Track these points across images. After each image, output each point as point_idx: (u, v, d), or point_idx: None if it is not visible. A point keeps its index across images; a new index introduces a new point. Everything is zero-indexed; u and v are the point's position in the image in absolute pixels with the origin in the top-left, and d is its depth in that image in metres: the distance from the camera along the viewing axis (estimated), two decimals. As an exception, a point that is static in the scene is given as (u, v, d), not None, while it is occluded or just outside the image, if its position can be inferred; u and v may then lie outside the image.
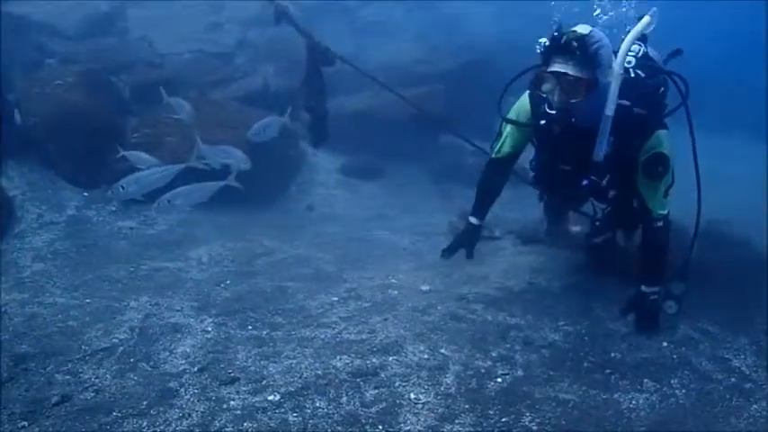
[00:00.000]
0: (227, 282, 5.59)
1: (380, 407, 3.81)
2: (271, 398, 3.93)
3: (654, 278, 4.51)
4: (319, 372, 4.17)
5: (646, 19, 4.26)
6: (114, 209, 6.91)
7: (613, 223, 4.99)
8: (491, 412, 3.76)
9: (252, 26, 10.95)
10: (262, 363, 4.32)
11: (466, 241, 5.17)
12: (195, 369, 4.27)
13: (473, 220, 5.13)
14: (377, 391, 3.97)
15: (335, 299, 5.27)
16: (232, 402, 3.90)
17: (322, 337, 4.65)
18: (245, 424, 3.68)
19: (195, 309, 5.12)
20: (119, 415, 3.80)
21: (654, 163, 4.19)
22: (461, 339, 4.54)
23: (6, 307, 5.05)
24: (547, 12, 4.93)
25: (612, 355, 4.36)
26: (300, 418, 3.72)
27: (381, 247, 6.45)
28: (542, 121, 4.31)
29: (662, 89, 4.42)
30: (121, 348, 4.52)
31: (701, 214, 4.57)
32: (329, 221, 7.23)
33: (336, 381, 4.06)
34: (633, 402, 3.88)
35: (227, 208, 6.95)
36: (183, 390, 4.04)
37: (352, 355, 4.35)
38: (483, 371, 4.16)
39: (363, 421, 3.68)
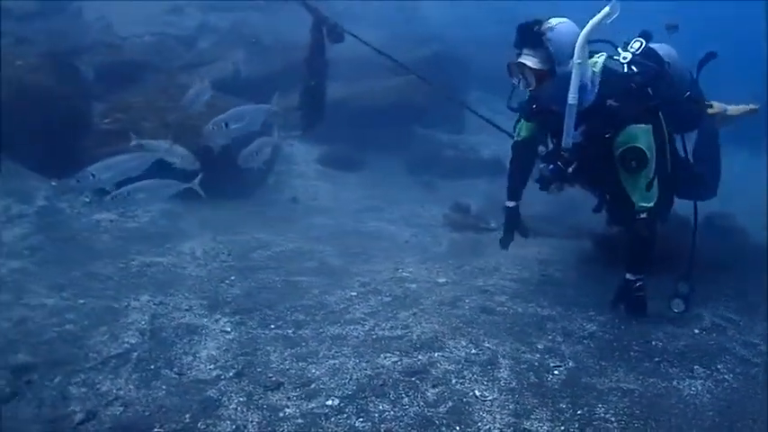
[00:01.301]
0: (232, 278, 5.07)
1: (448, 406, 3.51)
2: (329, 403, 3.53)
3: (638, 267, 4.48)
4: (369, 372, 3.80)
5: (605, 9, 4.14)
6: (88, 200, 6.11)
7: (611, 215, 4.87)
8: (563, 406, 3.54)
9: (211, 10, 10.17)
10: (300, 364, 3.89)
11: (513, 225, 5.06)
12: (231, 374, 3.78)
13: (510, 203, 5.04)
14: (437, 389, 3.66)
15: (354, 293, 4.88)
16: (288, 410, 3.46)
17: (355, 334, 4.26)
18: None
19: (205, 307, 4.58)
20: (161, 431, 3.22)
21: (628, 157, 4.17)
22: (500, 332, 4.30)
23: (-13, 311, 4.26)
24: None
25: (654, 343, 4.24)
26: (369, 424, 3.35)
27: (381, 239, 6.10)
28: (514, 107, 4.53)
29: (646, 86, 4.34)
30: (136, 354, 3.95)
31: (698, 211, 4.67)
32: (317, 213, 6.75)
33: (391, 381, 3.72)
34: (693, 389, 3.77)
35: (207, 200, 6.29)
36: (225, 398, 3.56)
37: (397, 353, 4.00)
38: (536, 364, 3.94)
39: (437, 422, 3.37)
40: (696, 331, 4.40)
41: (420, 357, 3.96)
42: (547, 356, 4.00)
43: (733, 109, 5.06)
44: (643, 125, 4.20)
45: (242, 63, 8.24)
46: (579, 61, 4.07)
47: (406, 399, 3.55)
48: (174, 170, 5.41)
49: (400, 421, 3.36)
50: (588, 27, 4.10)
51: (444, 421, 3.36)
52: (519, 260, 5.42)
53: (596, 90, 4.18)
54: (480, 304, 4.68)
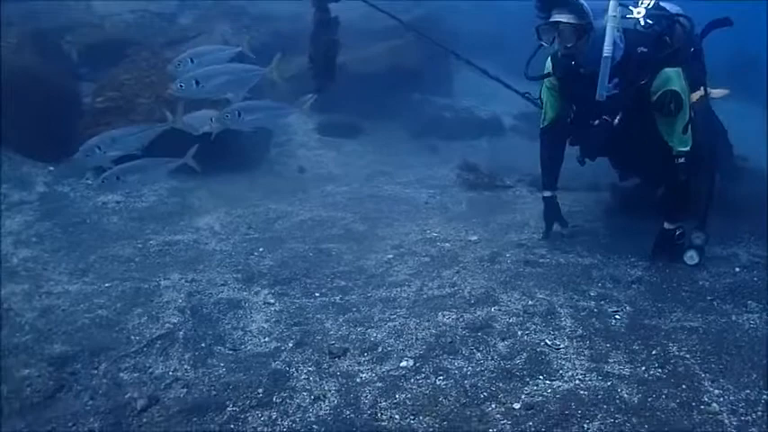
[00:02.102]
0: (260, 249, 4.74)
1: (523, 357, 3.36)
2: (403, 364, 3.33)
3: (677, 215, 4.41)
4: (433, 331, 3.60)
5: None
6: (90, 182, 5.61)
7: (635, 168, 4.74)
8: (635, 347, 3.43)
9: None
10: (359, 329, 3.67)
11: (553, 215, 4.91)
12: (290, 345, 3.52)
13: (547, 193, 4.88)
14: (506, 342, 3.51)
15: (390, 256, 4.64)
16: (363, 375, 3.23)
17: (404, 295, 4.04)
18: (398, 396, 3.04)
19: (241, 281, 4.27)
20: (236, 409, 3.01)
21: (665, 100, 4.07)
22: (549, 283, 4.16)
23: (8, 302, 3.88)
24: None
25: (701, 283, 4.17)
26: (452, 381, 3.17)
27: (400, 203, 5.83)
28: (550, 69, 4.41)
29: (672, 32, 4.28)
30: (181, 333, 3.64)
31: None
32: (326, 181, 6.41)
33: (458, 337, 3.55)
34: (752, 323, 3.70)
35: (213, 174, 5.97)
36: (293, 369, 3.30)
37: (454, 311, 3.82)
38: (595, 310, 3.82)
39: (518, 374, 3.22)
40: (737, 269, 4.33)
41: (478, 313, 3.79)
42: (602, 302, 3.90)
43: (716, 92, 4.98)
44: (675, 69, 4.10)
45: (230, 35, 7.73)
46: (614, 14, 4.00)
47: (479, 354, 3.39)
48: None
49: (482, 376, 3.18)
50: None
51: (526, 372, 3.22)
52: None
53: (622, 43, 4.09)
54: (521, 258, 4.52)
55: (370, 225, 5.27)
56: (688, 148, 4.16)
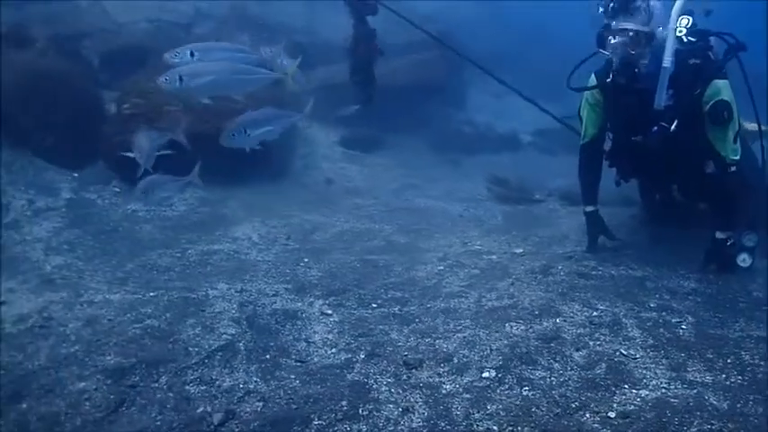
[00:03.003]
0: (306, 260, 4.57)
1: (603, 367, 3.24)
2: (486, 375, 3.19)
3: (728, 223, 4.39)
4: (505, 342, 3.47)
5: None
6: (117, 190, 5.36)
7: (676, 181, 4.71)
8: (710, 356, 3.36)
9: None
10: (427, 340, 3.52)
11: (597, 229, 4.85)
12: (362, 356, 3.36)
13: (589, 208, 4.81)
14: (581, 352, 3.40)
15: (441, 267, 4.51)
16: (447, 386, 3.09)
17: (465, 306, 3.91)
18: (490, 407, 2.91)
19: (292, 291, 4.09)
20: (322, 423, 2.83)
21: (718, 110, 4.09)
22: (607, 295, 4.08)
23: (48, 311, 3.62)
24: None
25: (755, 294, 4.13)
26: (540, 392, 3.05)
27: (434, 215, 5.73)
28: (608, 79, 4.32)
29: (712, 47, 4.34)
30: (242, 345, 3.44)
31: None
32: (355, 194, 6.26)
33: (533, 348, 3.43)
34: None
35: (241, 185, 5.82)
36: (372, 381, 3.14)
37: (521, 322, 3.70)
38: (660, 321, 3.73)
39: (603, 384, 3.10)
40: (786, 278, 4.28)
41: (545, 324, 3.68)
42: (664, 313, 3.82)
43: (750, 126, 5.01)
44: (724, 80, 4.14)
45: (249, 46, 7.56)
46: (676, 26, 4.05)
47: (557, 364, 3.27)
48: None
49: (567, 386, 3.07)
50: None
51: (610, 381, 3.11)
52: (582, 228, 5.11)
53: (675, 56, 4.08)
54: (574, 270, 4.43)
55: (410, 237, 5.13)
56: (738, 157, 4.18)
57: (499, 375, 3.14)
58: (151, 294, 3.95)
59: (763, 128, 4.72)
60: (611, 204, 5.70)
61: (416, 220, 5.54)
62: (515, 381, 3.10)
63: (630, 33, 4.03)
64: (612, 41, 4.10)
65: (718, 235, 4.36)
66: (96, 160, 5.57)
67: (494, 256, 4.72)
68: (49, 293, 3.85)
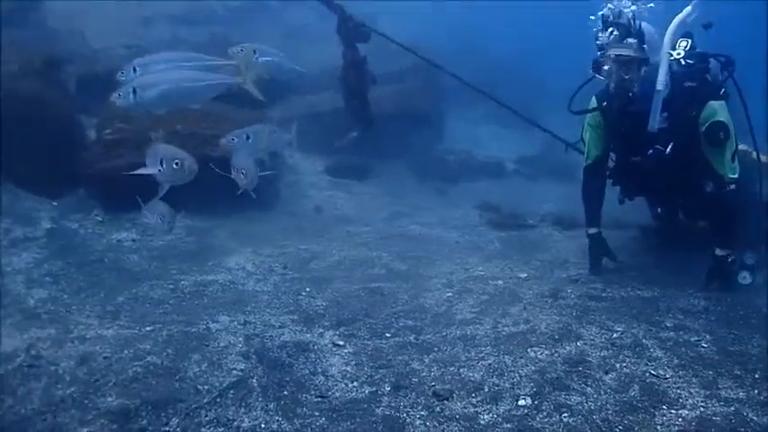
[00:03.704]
0: (307, 289, 4.36)
1: (636, 389, 3.15)
2: (522, 403, 3.05)
3: (728, 240, 4.44)
4: (532, 368, 3.36)
5: (687, 9, 4.31)
6: (100, 219, 5.03)
7: (677, 203, 4.74)
8: (737, 372, 3.32)
9: (180, 23, 9.14)
10: (451, 369, 3.37)
11: (600, 251, 4.84)
12: (388, 389, 3.17)
13: (592, 230, 4.82)
14: (610, 375, 3.30)
15: (449, 294, 4.37)
16: (485, 417, 2.95)
17: (481, 333, 3.78)
18: None
19: (299, 322, 3.87)
20: None
21: (714, 131, 4.18)
22: (622, 317, 4.02)
23: (36, 349, 3.31)
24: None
25: (764, 310, 4.13)
26: (581, 417, 2.95)
27: (430, 242, 5.60)
28: (604, 103, 4.43)
29: (709, 70, 4.43)
30: (255, 381, 3.21)
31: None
32: (346, 222, 6.07)
33: (561, 373, 3.31)
34: None
35: (228, 214, 5.58)
36: (404, 415, 2.98)
37: (542, 346, 3.61)
38: (680, 340, 3.68)
39: (641, 406, 3.02)
40: (789, 293, 4.33)
41: (568, 347, 3.59)
42: (681, 332, 3.79)
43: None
44: (720, 101, 4.23)
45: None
46: (670, 51, 4.16)
47: (590, 388, 3.17)
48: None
49: (606, 410, 2.98)
50: (676, 21, 4.22)
51: (647, 403, 3.04)
52: (581, 251, 5.09)
53: (669, 79, 4.16)
54: (583, 293, 4.38)
55: (410, 264, 4.98)
56: (737, 176, 4.24)
57: (536, 402, 3.00)
58: (148, 329, 3.66)
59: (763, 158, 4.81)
60: (606, 228, 5.72)
61: (413, 247, 5.40)
62: (553, 407, 2.96)
63: (623, 59, 4.11)
64: (606, 67, 4.18)
65: (719, 252, 4.40)
66: (76, 188, 5.25)
67: (500, 282, 4.60)
68: (35, 329, 3.52)
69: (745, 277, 4.43)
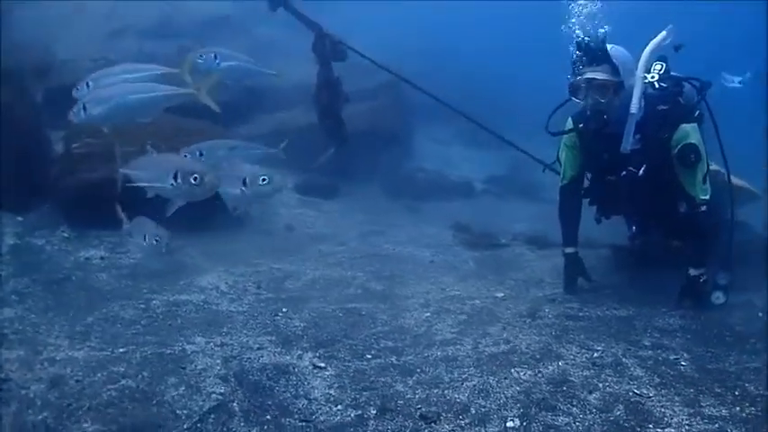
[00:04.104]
0: (284, 310, 4.29)
1: (621, 408, 3.18)
2: (510, 425, 3.06)
3: (701, 260, 4.59)
4: (518, 388, 3.38)
5: (662, 33, 4.43)
6: (66, 235, 4.84)
7: (652, 222, 4.87)
8: (718, 390, 3.39)
9: (149, 37, 8.96)
10: (436, 391, 3.35)
11: (576, 270, 4.93)
12: (374, 412, 3.12)
13: (569, 249, 4.92)
14: (594, 395, 3.32)
15: (427, 314, 4.36)
16: None
17: (463, 353, 3.79)
18: None
19: (277, 344, 3.80)
20: None
21: (686, 153, 4.30)
22: (600, 336, 4.09)
23: (3, 371, 3.16)
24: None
25: (737, 328, 4.25)
26: None
27: (405, 262, 5.58)
28: (580, 125, 4.52)
29: (682, 93, 4.59)
30: (236, 405, 3.13)
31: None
32: (319, 240, 6.00)
33: (546, 393, 3.31)
34: None
35: (198, 232, 5.46)
36: None
37: (524, 367, 3.63)
38: (659, 359, 3.76)
39: (628, 425, 3.05)
40: (760, 314, 4.46)
41: (550, 367, 3.62)
42: (659, 351, 3.87)
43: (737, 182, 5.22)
44: (692, 124, 4.36)
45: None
46: (644, 74, 4.27)
47: (576, 408, 3.19)
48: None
49: (594, 431, 2.94)
50: (651, 46, 4.32)
51: (633, 422, 3.07)
52: (556, 270, 5.19)
53: (643, 102, 4.29)
54: (561, 312, 4.45)
55: (385, 284, 4.96)
56: (708, 197, 4.38)
57: (524, 424, 3.00)
58: (120, 350, 3.53)
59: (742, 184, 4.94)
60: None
61: (387, 267, 5.37)
62: (541, 428, 2.97)
63: (599, 83, 4.22)
64: (582, 90, 4.29)
65: (692, 272, 4.53)
66: (42, 203, 5.06)
67: (477, 301, 4.62)
68: (2, 350, 3.35)
69: (718, 297, 4.54)
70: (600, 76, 4.21)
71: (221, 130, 6.09)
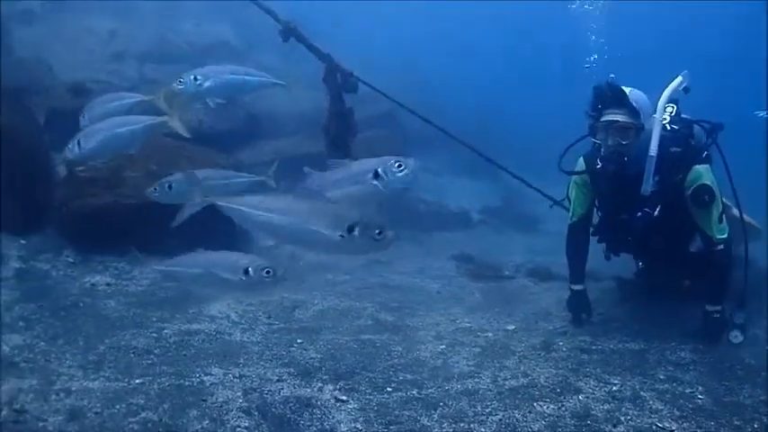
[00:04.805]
0: (299, 341, 4.26)
1: None
2: None
3: (718, 298, 4.67)
4: (543, 423, 3.41)
5: (678, 79, 4.62)
6: (71, 260, 4.74)
7: (661, 260, 4.98)
8: (737, 423, 3.46)
9: (149, 60, 8.91)
10: (462, 425, 3.38)
11: (582, 307, 4.95)
12: None
13: (576, 287, 4.95)
14: (618, 428, 3.36)
15: (442, 347, 4.38)
16: None
17: (483, 386, 3.80)
18: None
19: (296, 376, 3.77)
20: None
21: (700, 194, 4.42)
22: (616, 369, 4.12)
23: (18, 402, 3.05)
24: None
25: (747, 361, 4.32)
26: None
27: (412, 292, 5.60)
28: (599, 165, 4.56)
29: (693, 135, 4.72)
30: None
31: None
32: (323, 269, 5.96)
33: (572, 427, 3.33)
34: None
35: None
36: None
37: (546, 400, 3.66)
38: (676, 392, 3.80)
39: None
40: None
41: (571, 401, 3.64)
42: (675, 384, 3.92)
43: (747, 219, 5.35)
44: (705, 165, 4.49)
45: (202, 115, 7.22)
46: (662, 118, 4.39)
47: None
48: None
49: None
50: (668, 90, 4.49)
51: None
52: (561, 304, 5.21)
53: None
54: (575, 346, 4.48)
55: (396, 315, 4.96)
56: (725, 236, 4.48)
57: (552, 458, 2.99)
58: (137, 381, 3.46)
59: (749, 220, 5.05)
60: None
61: (395, 297, 5.38)
62: (570, 464, 2.97)
63: (621, 125, 4.29)
64: (604, 132, 4.37)
65: (710, 308, 4.60)
66: (45, 226, 4.98)
67: (489, 334, 4.65)
68: (14, 380, 3.28)
69: (736, 336, 4.58)
70: (622, 118, 4.29)
71: (225, 156, 6.08)
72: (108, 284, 4.73)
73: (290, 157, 7.68)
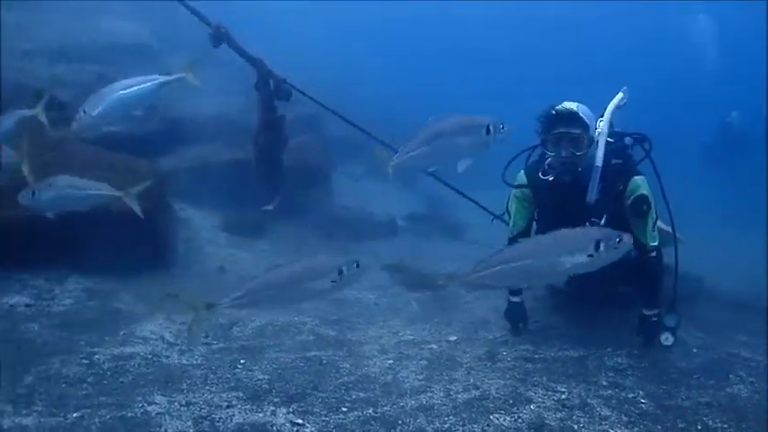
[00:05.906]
0: (242, 361, 4.14)
1: None
2: None
3: (653, 302, 5.00)
4: None
5: (620, 95, 4.97)
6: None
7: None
8: (681, 425, 3.68)
9: (58, 59, 8.22)
10: None
11: (519, 317, 5.15)
12: None
13: (515, 298, 5.14)
14: None
15: (389, 361, 4.41)
16: None
17: (437, 401, 3.88)
18: None
19: (247, 401, 3.67)
20: None
21: (639, 203, 4.75)
22: (560, 377, 4.31)
23: (-58, 449, 2.74)
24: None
25: (679, 364, 4.61)
26: None
27: (349, 305, 5.56)
28: (549, 177, 4.72)
29: (629, 148, 5.08)
30: None
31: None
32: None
33: None
34: (745, 392, 4.16)
35: (129, 274, 5.12)
36: None
37: (501, 412, 3.78)
38: (620, 398, 4.02)
39: None
40: (695, 350, 4.89)
41: (524, 411, 3.79)
42: (617, 390, 4.13)
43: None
44: (641, 176, 4.81)
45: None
46: (606, 131, 4.65)
47: None
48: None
49: None
50: (611, 106, 4.79)
51: None
52: (496, 312, 5.40)
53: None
54: (518, 355, 4.64)
55: (336, 329, 4.94)
56: (657, 243, 4.82)
57: (517, 472, 3.08)
58: (74, 416, 3.23)
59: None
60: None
61: (333, 311, 5.35)
62: (534, 478, 3.07)
63: (574, 136, 4.50)
64: (556, 143, 4.55)
65: (645, 312, 4.90)
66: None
67: (433, 346, 4.73)
68: (-70, 422, 2.94)
69: (667, 338, 4.87)
70: (575, 130, 4.52)
71: (146, 163, 5.78)
72: (27, 305, 4.35)
73: (212, 165, 7.52)
